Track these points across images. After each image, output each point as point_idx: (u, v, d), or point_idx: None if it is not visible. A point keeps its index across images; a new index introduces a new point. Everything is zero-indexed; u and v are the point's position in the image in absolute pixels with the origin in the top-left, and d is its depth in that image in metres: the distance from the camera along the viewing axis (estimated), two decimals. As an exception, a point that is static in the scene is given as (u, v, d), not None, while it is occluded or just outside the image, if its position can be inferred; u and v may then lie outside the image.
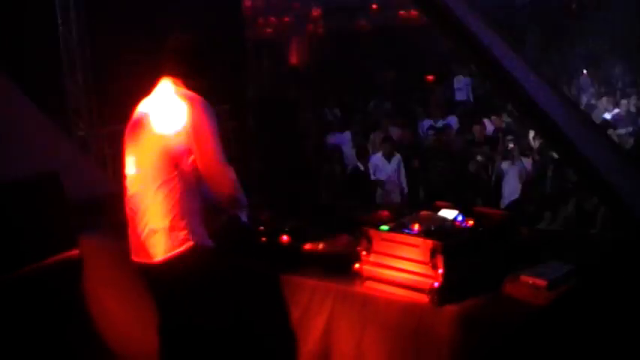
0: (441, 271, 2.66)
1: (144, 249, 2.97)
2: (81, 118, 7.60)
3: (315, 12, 15.73)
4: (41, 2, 5.92)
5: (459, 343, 2.63)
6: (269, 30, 15.22)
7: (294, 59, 15.32)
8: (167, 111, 2.92)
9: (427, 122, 11.05)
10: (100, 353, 3.89)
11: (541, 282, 2.71)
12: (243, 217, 3.27)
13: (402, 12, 15.54)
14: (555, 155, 7.22)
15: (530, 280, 2.74)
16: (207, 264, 2.96)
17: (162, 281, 3.02)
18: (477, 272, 2.81)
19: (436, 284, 2.67)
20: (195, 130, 2.87)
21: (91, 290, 3.95)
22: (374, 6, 16.04)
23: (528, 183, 8.13)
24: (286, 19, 15.55)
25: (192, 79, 3.01)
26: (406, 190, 8.81)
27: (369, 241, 2.89)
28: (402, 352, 2.77)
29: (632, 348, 2.37)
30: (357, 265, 2.93)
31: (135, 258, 3.05)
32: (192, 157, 2.89)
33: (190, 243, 2.90)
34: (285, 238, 3.35)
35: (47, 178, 3.91)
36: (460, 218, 2.98)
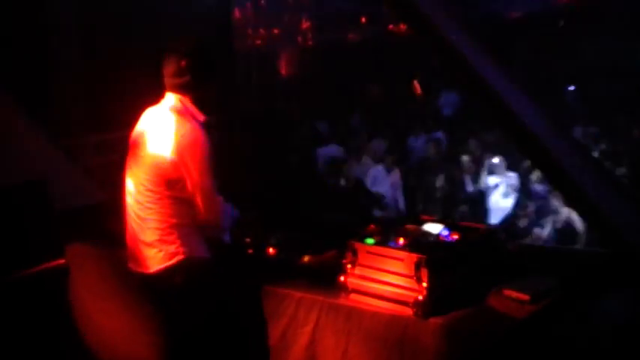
0: (425, 284, 2.70)
1: (138, 259, 3.02)
2: (69, 126, 7.58)
3: (305, 24, 15.81)
4: (30, 10, 5.91)
5: (443, 355, 2.66)
6: (258, 41, 15.26)
7: (283, 71, 15.35)
8: (161, 135, 2.90)
9: (422, 136, 11.10)
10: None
11: (524, 296, 2.75)
12: (226, 238, 3.26)
13: (391, 25, 15.64)
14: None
15: (514, 293, 2.78)
16: (199, 276, 2.97)
17: (155, 291, 3.06)
18: (461, 285, 2.84)
19: (420, 297, 2.70)
20: (183, 163, 2.86)
21: (78, 300, 3.93)
22: (363, 19, 16.13)
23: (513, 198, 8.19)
24: (276, 30, 15.61)
25: (197, 87, 2.94)
26: (402, 204, 8.85)
27: (355, 254, 2.93)
28: (387, 364, 2.79)
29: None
30: (342, 278, 2.96)
31: (131, 266, 3.09)
32: (183, 184, 2.89)
33: (181, 257, 2.92)
34: (271, 250, 3.37)
35: (33, 186, 3.89)
36: (445, 232, 3.02)
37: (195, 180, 2.89)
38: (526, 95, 2.60)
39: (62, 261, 3.89)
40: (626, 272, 2.68)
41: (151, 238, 2.95)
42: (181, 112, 2.93)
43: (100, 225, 3.96)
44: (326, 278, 3.06)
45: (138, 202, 3.00)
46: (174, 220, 2.93)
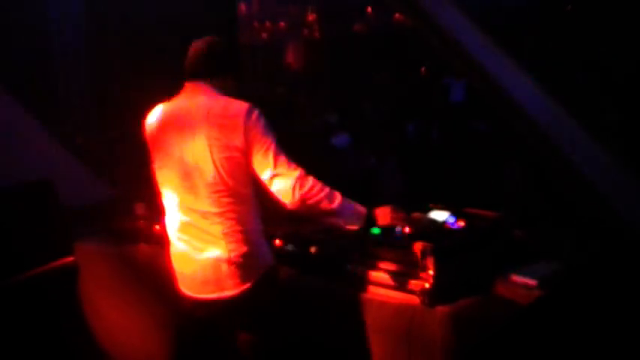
0: (431, 272, 2.69)
1: (207, 283, 2.67)
2: (78, 125, 7.61)
3: (311, 16, 15.76)
4: (37, 10, 5.95)
5: (451, 343, 2.65)
6: (264, 35, 15.25)
7: (290, 64, 15.33)
8: (203, 121, 2.60)
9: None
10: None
11: (532, 282, 2.74)
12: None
13: (397, 15, 15.56)
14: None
15: (521, 279, 2.77)
16: (277, 285, 2.83)
17: (229, 314, 2.77)
18: (468, 273, 2.83)
19: (427, 286, 2.69)
20: (249, 133, 2.57)
21: (87, 297, 3.97)
22: (369, 10, 16.06)
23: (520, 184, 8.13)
24: (282, 23, 15.58)
25: (216, 73, 2.75)
26: (401, 192, 8.76)
27: (361, 243, 2.92)
28: (394, 353, 2.79)
29: (620, 346, 2.39)
30: (348, 268, 2.96)
31: (190, 292, 2.73)
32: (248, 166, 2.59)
33: (263, 270, 2.72)
34: (277, 241, 3.37)
35: (41, 185, 3.93)
36: (451, 219, 3.01)
37: (269, 145, 2.57)
38: (533, 86, 2.56)
39: (71, 259, 3.93)
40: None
41: (224, 254, 2.61)
42: (207, 93, 2.71)
43: (109, 222, 3.98)
44: (332, 269, 3.06)
45: (192, 212, 2.63)
46: (249, 226, 2.64)
